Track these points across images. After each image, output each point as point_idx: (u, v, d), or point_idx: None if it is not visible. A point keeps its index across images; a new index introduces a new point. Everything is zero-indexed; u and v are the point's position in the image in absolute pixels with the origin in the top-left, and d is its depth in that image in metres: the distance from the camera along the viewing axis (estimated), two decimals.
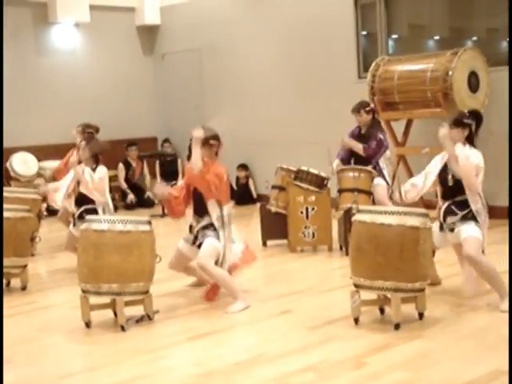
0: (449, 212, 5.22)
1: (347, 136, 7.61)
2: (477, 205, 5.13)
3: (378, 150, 7.40)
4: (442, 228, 5.28)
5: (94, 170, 6.77)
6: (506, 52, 8.66)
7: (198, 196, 5.67)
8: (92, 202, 6.74)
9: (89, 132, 7.57)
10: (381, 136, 7.48)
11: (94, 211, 6.64)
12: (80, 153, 7.00)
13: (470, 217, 5.14)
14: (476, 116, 5.32)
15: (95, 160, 6.83)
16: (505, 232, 7.56)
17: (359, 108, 7.58)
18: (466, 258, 5.09)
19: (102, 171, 6.79)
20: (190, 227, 5.76)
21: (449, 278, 5.96)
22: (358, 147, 7.44)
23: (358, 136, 7.58)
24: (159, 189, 6.16)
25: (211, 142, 5.68)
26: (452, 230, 5.21)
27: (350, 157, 7.55)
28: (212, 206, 5.59)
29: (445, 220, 5.25)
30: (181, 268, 5.99)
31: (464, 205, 5.16)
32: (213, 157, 5.70)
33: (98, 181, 6.68)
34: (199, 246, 5.61)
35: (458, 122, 5.24)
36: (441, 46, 9.52)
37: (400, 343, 4.49)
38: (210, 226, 5.60)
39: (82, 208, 6.74)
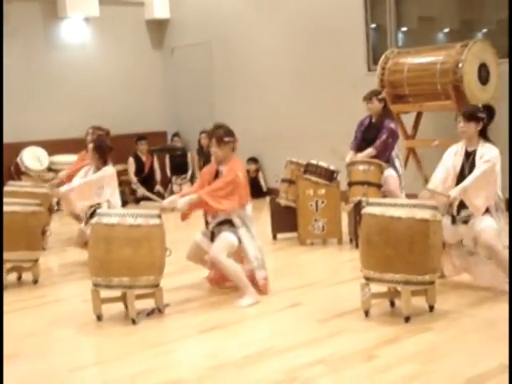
0: (464, 205, 5.18)
1: (357, 128, 7.59)
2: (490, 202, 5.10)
3: (388, 142, 7.33)
4: (453, 221, 5.26)
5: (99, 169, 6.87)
6: None
7: None
8: None
9: (99, 134, 7.67)
10: (392, 125, 7.41)
11: None
12: (88, 154, 7.10)
13: (486, 210, 5.12)
14: (488, 110, 5.24)
15: (103, 161, 6.87)
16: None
17: (371, 95, 7.52)
18: (484, 247, 5.06)
19: (103, 171, 6.80)
20: (206, 222, 5.70)
21: None
22: (369, 152, 7.37)
23: (368, 126, 7.54)
24: (171, 203, 5.74)
25: (226, 139, 5.55)
26: (465, 222, 5.18)
27: (362, 147, 7.52)
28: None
29: (458, 213, 5.23)
30: (198, 260, 5.89)
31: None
32: (229, 153, 5.58)
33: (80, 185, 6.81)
34: None
35: (470, 116, 5.16)
36: (451, 38, 9.47)
37: (410, 336, 4.49)
38: (226, 222, 5.51)
39: (93, 208, 6.74)
